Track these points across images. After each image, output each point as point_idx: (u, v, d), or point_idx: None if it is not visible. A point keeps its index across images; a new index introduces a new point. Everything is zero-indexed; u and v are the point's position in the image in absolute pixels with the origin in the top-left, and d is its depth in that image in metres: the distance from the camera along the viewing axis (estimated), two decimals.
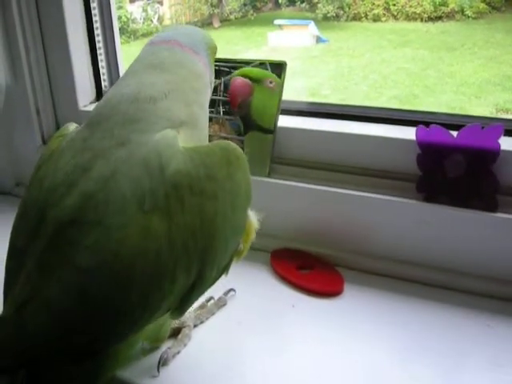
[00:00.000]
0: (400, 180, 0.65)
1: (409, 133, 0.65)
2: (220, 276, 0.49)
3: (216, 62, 0.75)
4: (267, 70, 0.73)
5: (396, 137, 0.66)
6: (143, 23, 5.09)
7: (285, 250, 0.69)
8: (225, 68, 0.76)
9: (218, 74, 0.76)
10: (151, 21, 5.17)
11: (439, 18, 3.93)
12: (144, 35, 4.99)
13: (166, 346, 0.54)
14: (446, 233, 0.62)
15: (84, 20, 0.86)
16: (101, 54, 0.88)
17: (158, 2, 5.17)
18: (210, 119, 0.74)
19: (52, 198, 0.42)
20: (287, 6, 4.62)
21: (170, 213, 0.41)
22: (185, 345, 0.55)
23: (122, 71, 0.91)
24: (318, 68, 3.62)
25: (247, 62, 0.74)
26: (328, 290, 0.63)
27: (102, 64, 0.89)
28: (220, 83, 0.76)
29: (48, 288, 0.39)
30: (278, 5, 4.73)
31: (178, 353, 0.54)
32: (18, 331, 0.39)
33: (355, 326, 0.58)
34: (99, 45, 0.87)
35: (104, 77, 0.89)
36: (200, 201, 0.42)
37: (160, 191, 0.41)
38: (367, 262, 0.66)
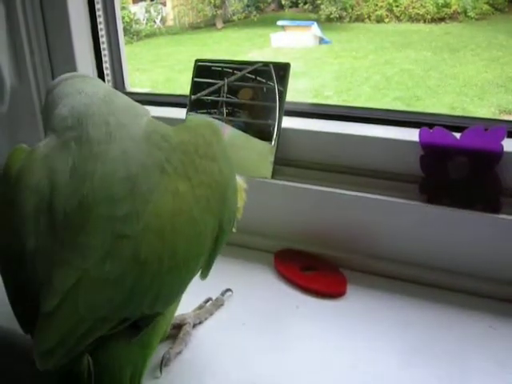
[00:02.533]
0: (403, 181, 0.65)
1: (412, 134, 0.65)
2: (230, 232, 0.52)
3: (219, 63, 0.76)
4: (271, 71, 0.73)
5: (399, 138, 0.66)
6: (146, 24, 5.10)
7: (288, 251, 0.69)
8: (228, 69, 0.76)
9: (222, 75, 0.76)
10: (154, 21, 5.19)
11: (442, 19, 3.94)
12: (147, 36, 5.01)
13: (166, 345, 0.55)
14: (449, 234, 0.62)
15: (88, 21, 0.86)
16: (105, 55, 0.88)
17: (161, 3, 5.19)
18: None
19: (63, 198, 0.43)
20: (290, 7, 4.64)
21: (187, 175, 0.46)
22: (186, 344, 0.56)
23: (125, 71, 0.92)
24: (320, 69, 3.63)
25: (250, 64, 0.75)
26: (332, 291, 0.63)
27: (106, 65, 0.89)
28: (223, 85, 0.76)
29: (98, 266, 0.41)
30: (281, 6, 4.74)
31: (180, 352, 0.55)
32: (72, 317, 0.40)
33: (359, 326, 0.58)
34: (103, 46, 0.88)
35: (108, 77, 0.89)
36: (206, 162, 0.48)
37: (174, 158, 0.45)
38: (370, 263, 0.66)
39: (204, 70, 0.78)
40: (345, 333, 0.57)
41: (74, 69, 0.84)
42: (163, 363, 0.53)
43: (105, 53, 0.88)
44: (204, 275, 0.52)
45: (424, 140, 0.63)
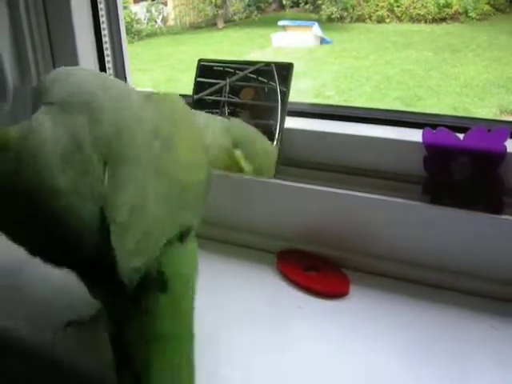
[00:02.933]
0: (406, 182, 0.65)
1: (415, 135, 0.65)
2: None
3: (221, 63, 0.76)
4: (273, 71, 0.73)
5: (402, 139, 0.66)
6: (147, 24, 5.10)
7: (291, 252, 0.69)
8: (229, 69, 0.76)
9: (223, 75, 0.76)
10: (155, 21, 5.18)
11: (443, 19, 3.93)
12: (148, 35, 5.01)
13: None
14: (452, 234, 0.62)
15: (91, 20, 0.86)
16: (108, 55, 0.88)
17: (162, 3, 5.18)
18: None
19: (100, 133, 0.48)
20: (291, 7, 4.64)
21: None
22: None
23: (128, 71, 0.92)
24: (321, 69, 3.63)
25: (253, 64, 0.75)
26: (334, 291, 0.63)
27: (109, 65, 0.89)
28: (225, 84, 0.76)
29: (151, 186, 0.47)
30: (282, 6, 4.74)
31: None
32: (145, 225, 0.45)
33: (361, 326, 0.58)
34: (106, 45, 0.88)
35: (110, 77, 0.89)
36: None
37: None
38: (373, 263, 0.66)
39: (207, 70, 0.78)
40: (347, 333, 0.57)
41: (76, 65, 0.85)
42: None
43: (107, 52, 0.88)
44: None
45: (427, 140, 0.63)
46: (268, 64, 0.74)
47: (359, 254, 0.67)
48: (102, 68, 0.88)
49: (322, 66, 3.69)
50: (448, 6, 3.90)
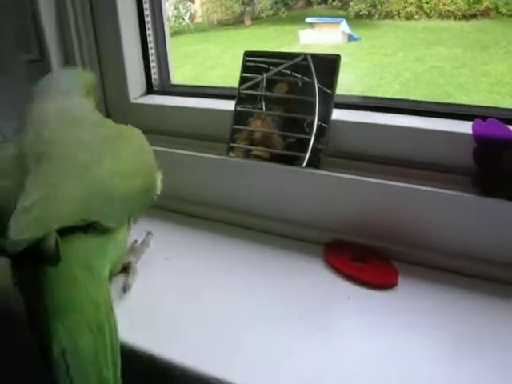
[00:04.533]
0: (455, 174, 0.65)
1: (465, 127, 0.65)
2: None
3: (266, 55, 0.76)
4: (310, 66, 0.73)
5: (451, 130, 0.65)
6: (175, 21, 5.12)
7: (339, 243, 0.70)
8: (263, 65, 0.77)
9: (259, 70, 0.77)
10: (183, 19, 5.20)
11: (473, 15, 3.89)
12: (176, 33, 5.02)
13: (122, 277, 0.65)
14: (502, 226, 0.62)
15: (136, 15, 0.87)
16: (151, 48, 0.89)
17: (190, 0, 5.20)
18: (252, 114, 0.76)
19: (30, 151, 0.56)
20: (319, 3, 4.61)
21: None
22: (135, 276, 0.66)
23: (170, 65, 0.93)
24: (350, 66, 3.60)
25: (299, 55, 0.75)
26: (383, 282, 0.63)
27: (153, 58, 0.90)
28: (262, 79, 0.77)
29: (67, 185, 0.53)
30: (309, 3, 4.72)
31: (134, 281, 0.64)
32: (44, 211, 0.50)
33: (410, 317, 0.58)
34: (150, 38, 0.89)
35: (154, 70, 0.90)
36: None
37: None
38: (421, 255, 0.66)
39: (251, 63, 0.78)
40: (395, 323, 0.58)
41: (121, 62, 0.86)
42: (126, 288, 0.63)
43: (151, 46, 0.89)
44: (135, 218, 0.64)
45: (477, 132, 0.63)
46: (315, 55, 0.74)
47: (408, 245, 0.67)
48: (147, 62, 0.89)
49: (349, 63, 3.67)
50: (478, 1, 3.85)
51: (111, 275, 0.61)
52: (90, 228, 0.54)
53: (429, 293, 0.62)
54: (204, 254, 0.71)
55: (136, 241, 0.71)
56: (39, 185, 0.52)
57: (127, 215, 0.61)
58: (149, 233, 0.73)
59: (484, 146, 0.63)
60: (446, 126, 0.67)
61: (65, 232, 0.51)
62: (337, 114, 0.71)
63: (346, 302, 0.61)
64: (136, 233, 0.68)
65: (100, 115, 0.68)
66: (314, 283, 0.64)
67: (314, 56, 0.74)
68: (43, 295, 0.50)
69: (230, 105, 0.79)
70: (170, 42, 0.92)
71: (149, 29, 0.88)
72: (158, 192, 0.65)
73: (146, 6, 0.88)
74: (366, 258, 0.67)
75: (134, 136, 0.65)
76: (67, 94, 0.68)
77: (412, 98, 0.75)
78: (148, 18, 0.88)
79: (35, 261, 0.50)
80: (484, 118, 0.64)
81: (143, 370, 0.55)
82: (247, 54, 0.78)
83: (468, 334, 0.56)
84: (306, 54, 0.74)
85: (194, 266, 0.68)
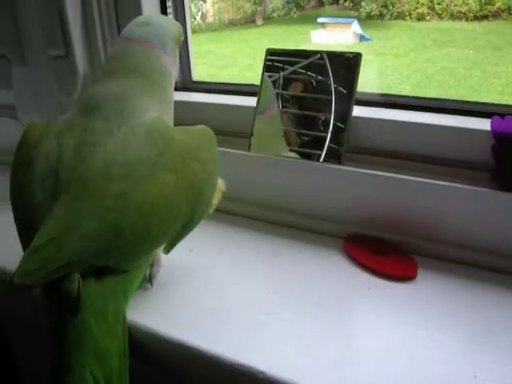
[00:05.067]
0: (474, 169, 0.67)
1: (483, 124, 0.66)
2: (199, 221, 0.61)
3: (288, 53, 0.78)
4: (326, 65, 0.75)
5: (470, 127, 0.67)
6: None
7: (358, 236, 0.71)
8: (278, 64, 0.79)
9: (276, 69, 0.79)
10: (194, 18, 5.22)
11: (485, 17, 3.87)
12: None
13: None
14: None
15: (159, 12, 0.89)
16: None
17: (202, 0, 5.21)
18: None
19: (67, 166, 0.53)
20: (330, 4, 4.60)
21: (176, 169, 0.55)
22: (160, 266, 0.66)
23: (192, 63, 0.95)
24: (361, 66, 3.60)
25: (319, 52, 0.76)
26: (402, 274, 0.65)
27: None
28: (279, 77, 0.79)
29: (83, 224, 0.50)
30: (321, 3, 4.71)
31: (158, 271, 0.66)
32: (53, 253, 0.49)
33: (428, 308, 0.60)
34: None
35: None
36: (194, 163, 0.57)
37: (168, 154, 0.55)
38: (440, 248, 0.67)
39: (272, 61, 0.80)
40: (414, 314, 0.59)
41: None
42: (151, 280, 0.64)
43: None
44: (166, 251, 0.61)
45: (495, 129, 0.64)
46: (334, 54, 0.75)
47: (426, 239, 0.68)
48: None
49: (361, 64, 3.68)
50: (490, 3, 3.84)
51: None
52: (106, 270, 0.53)
53: (447, 285, 0.63)
54: (227, 247, 0.73)
55: None
56: (60, 218, 0.50)
57: (152, 253, 0.59)
58: None
59: (502, 142, 0.64)
60: (464, 123, 0.68)
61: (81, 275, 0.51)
62: (357, 111, 0.73)
63: (367, 292, 0.63)
64: None
65: (170, 115, 0.64)
66: (335, 275, 0.66)
67: (333, 54, 0.75)
68: (56, 339, 0.51)
69: (250, 101, 0.80)
70: (191, 40, 0.94)
71: None
72: (210, 212, 0.64)
73: (169, 3, 0.90)
74: (385, 251, 0.68)
75: (204, 150, 0.60)
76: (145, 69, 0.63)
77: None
78: (171, 17, 0.90)
79: (55, 300, 0.52)
80: (502, 115, 0.65)
81: (167, 357, 0.58)
82: (269, 51, 0.80)
83: (484, 325, 0.57)
84: (325, 52, 0.76)
85: (217, 258, 0.70)
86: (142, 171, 0.53)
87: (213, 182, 0.62)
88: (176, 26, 0.69)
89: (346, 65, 0.74)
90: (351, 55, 0.74)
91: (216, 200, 0.65)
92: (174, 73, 0.68)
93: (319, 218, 0.74)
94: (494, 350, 0.54)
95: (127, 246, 0.53)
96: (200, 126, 0.62)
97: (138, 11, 0.85)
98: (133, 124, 0.56)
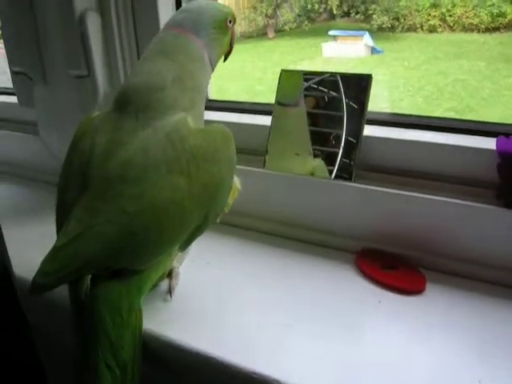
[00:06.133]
0: (480, 187, 0.69)
1: (488, 143, 0.68)
2: (214, 222, 0.64)
3: (303, 74, 0.81)
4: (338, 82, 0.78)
5: (476, 146, 0.69)
6: None
7: (369, 251, 0.74)
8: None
9: None
10: None
11: (497, 28, 3.87)
12: None
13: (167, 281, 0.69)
14: None
15: None
16: None
17: None
18: None
19: (95, 164, 0.57)
20: (342, 16, 4.62)
21: (189, 173, 0.57)
22: (178, 279, 0.69)
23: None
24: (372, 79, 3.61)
25: (332, 74, 0.79)
26: (412, 287, 0.67)
27: None
28: None
29: (99, 225, 0.53)
30: (332, 16, 4.73)
31: (177, 284, 0.69)
32: (71, 255, 0.52)
33: (436, 321, 0.62)
34: None
35: None
36: (209, 165, 0.59)
37: (183, 158, 0.57)
38: (448, 263, 0.70)
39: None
40: (423, 327, 0.61)
41: None
42: (170, 292, 0.67)
43: None
44: (181, 249, 0.64)
45: (501, 148, 0.67)
46: (344, 75, 0.78)
47: (435, 254, 0.71)
48: None
49: (373, 76, 3.69)
50: (502, 15, 3.85)
51: (157, 283, 0.66)
52: (121, 270, 0.56)
53: (455, 299, 0.66)
54: (243, 261, 0.76)
55: None
56: (79, 219, 0.54)
57: (167, 253, 0.61)
58: None
59: (507, 161, 0.67)
60: (471, 142, 0.70)
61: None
62: (367, 131, 0.75)
63: (377, 305, 0.65)
64: None
65: (198, 116, 0.64)
66: (346, 288, 0.69)
67: (345, 75, 0.78)
68: (76, 330, 0.56)
69: (265, 120, 0.83)
70: None
71: None
72: (226, 211, 0.67)
73: None
74: (395, 266, 0.71)
75: (220, 151, 0.61)
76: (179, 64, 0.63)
77: (435, 110, 0.78)
78: None
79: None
80: (507, 134, 0.67)
81: (183, 365, 0.61)
82: (284, 72, 0.83)
83: (492, 339, 0.59)
84: (336, 74, 0.78)
85: (233, 271, 0.73)
86: (157, 175, 0.55)
87: (228, 183, 0.63)
88: (220, 11, 0.68)
89: (358, 85, 0.76)
90: (362, 76, 0.76)
91: (232, 199, 0.67)
92: (212, 57, 0.67)
93: (332, 233, 0.77)
94: (501, 361, 0.56)
95: (141, 248, 0.56)
96: (218, 125, 0.63)
97: (156, 31, 0.88)
98: (156, 126, 0.58)
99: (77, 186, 0.57)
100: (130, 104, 0.60)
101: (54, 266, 0.52)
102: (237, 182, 0.68)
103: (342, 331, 0.61)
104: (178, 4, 0.90)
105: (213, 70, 0.69)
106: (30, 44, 0.95)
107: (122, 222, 0.54)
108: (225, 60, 0.74)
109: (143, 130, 0.58)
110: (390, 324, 0.62)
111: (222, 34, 0.68)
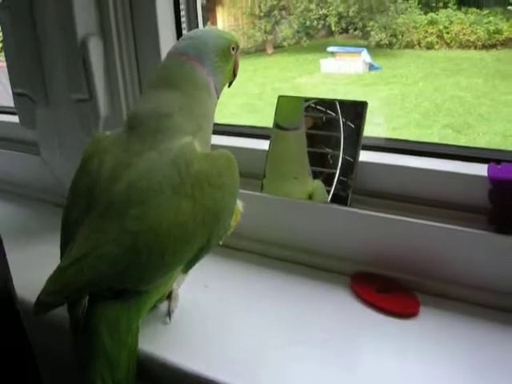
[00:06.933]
0: (472, 212, 0.70)
1: (480, 169, 0.70)
2: (216, 245, 0.65)
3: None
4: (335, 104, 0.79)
5: (468, 173, 0.71)
6: None
7: (364, 274, 0.75)
8: None
9: None
10: None
11: (493, 45, 3.89)
12: None
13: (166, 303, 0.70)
14: None
15: None
16: None
17: None
18: None
19: (101, 185, 0.58)
20: (340, 33, 4.64)
21: (194, 197, 0.58)
22: (177, 302, 0.71)
23: None
24: (370, 95, 3.63)
25: (329, 101, 0.81)
26: (405, 311, 0.68)
27: None
28: None
29: (104, 246, 0.55)
30: (331, 32, 4.75)
31: (176, 307, 0.70)
32: (76, 275, 0.54)
33: (429, 344, 0.63)
34: None
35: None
36: (213, 190, 0.60)
37: (187, 182, 0.58)
38: (441, 286, 0.71)
39: None
40: (416, 349, 0.63)
41: None
42: (170, 314, 0.69)
43: None
44: (184, 271, 0.65)
45: (492, 175, 0.68)
46: (341, 101, 0.79)
47: (428, 277, 0.72)
48: None
49: (370, 93, 3.70)
50: (498, 32, 3.87)
51: (155, 304, 0.68)
52: (122, 290, 0.58)
53: (447, 322, 0.67)
54: (239, 283, 0.77)
55: None
56: (83, 240, 0.55)
57: (169, 274, 0.62)
58: None
59: (498, 187, 0.68)
60: (464, 168, 0.72)
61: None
62: (363, 156, 0.77)
63: (371, 328, 0.67)
64: None
65: (204, 135, 0.65)
66: (340, 310, 0.70)
67: (341, 102, 0.79)
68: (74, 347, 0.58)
69: (262, 144, 0.85)
70: None
71: None
72: (228, 233, 0.68)
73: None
74: (389, 289, 0.72)
75: (224, 176, 0.61)
76: (183, 92, 0.64)
77: (432, 126, 0.80)
78: None
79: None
80: (498, 160, 0.69)
81: None
82: (281, 97, 0.85)
83: (485, 361, 0.60)
84: (334, 100, 0.80)
85: (230, 294, 0.74)
86: (161, 198, 0.57)
87: (231, 207, 0.64)
88: (223, 39, 0.69)
89: (353, 111, 0.78)
90: (358, 103, 0.78)
91: (234, 222, 0.68)
92: (217, 84, 0.68)
93: (327, 257, 0.78)
94: (493, 383, 0.57)
95: (144, 269, 0.57)
96: (222, 151, 0.64)
97: (156, 56, 0.90)
98: (163, 149, 0.59)
99: (82, 207, 0.59)
100: (139, 127, 0.62)
101: (58, 286, 0.54)
102: (239, 205, 0.69)
103: (334, 353, 0.63)
104: (179, 29, 0.92)
105: (218, 96, 0.70)
106: (33, 67, 0.97)
107: (125, 242, 0.55)
108: (229, 86, 0.75)
109: (150, 152, 0.59)
110: (384, 347, 0.63)
111: (225, 62, 0.69)
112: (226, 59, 0.69)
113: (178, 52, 0.67)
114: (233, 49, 0.71)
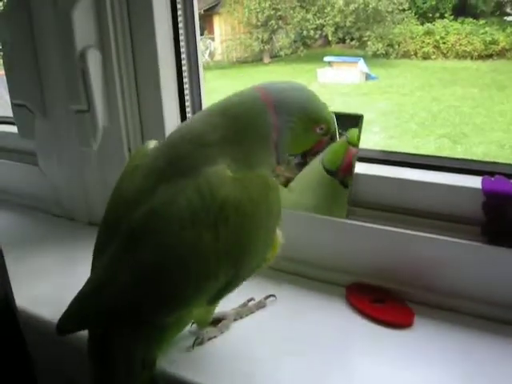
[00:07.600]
0: (467, 224, 0.71)
1: (474, 182, 0.71)
2: (248, 278, 0.60)
3: None
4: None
5: (463, 185, 0.72)
6: None
7: (359, 285, 0.76)
8: None
9: None
10: (203, 55, 5.29)
11: (490, 56, 3.91)
12: None
13: (205, 330, 0.67)
14: (509, 273, 0.68)
15: (175, 72, 0.94)
16: (187, 100, 0.97)
17: (210, 38, 5.29)
18: None
19: (125, 210, 0.56)
20: (337, 43, 4.65)
21: (216, 227, 0.53)
22: (221, 332, 0.68)
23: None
24: (367, 105, 3.64)
25: None
26: (400, 321, 0.69)
27: (188, 109, 0.97)
28: None
29: (121, 276, 0.53)
30: (327, 42, 4.76)
31: (215, 337, 0.67)
32: (97, 303, 0.53)
33: (424, 355, 0.64)
34: (186, 91, 0.96)
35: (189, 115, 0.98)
36: (241, 219, 0.54)
37: (211, 211, 0.53)
38: (435, 297, 0.72)
39: None
40: (410, 360, 0.63)
41: (159, 112, 0.93)
42: (196, 342, 0.65)
43: (187, 98, 0.96)
44: (210, 304, 0.60)
45: (486, 188, 0.69)
46: (337, 114, 0.80)
47: (423, 288, 0.73)
48: (183, 112, 0.96)
49: (367, 102, 3.72)
50: (495, 42, 3.89)
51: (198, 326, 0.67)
52: (142, 321, 0.56)
53: (442, 332, 0.68)
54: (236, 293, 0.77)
55: (252, 299, 0.74)
56: (103, 268, 0.54)
57: (190, 307, 0.58)
58: (271, 295, 0.74)
59: (492, 200, 0.69)
60: (458, 180, 0.73)
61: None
62: (359, 168, 0.78)
63: (366, 338, 0.67)
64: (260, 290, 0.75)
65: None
66: (336, 321, 0.71)
67: (338, 114, 0.80)
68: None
69: None
70: (205, 93, 0.99)
71: (186, 83, 0.96)
72: (264, 267, 0.62)
73: (184, 68, 0.96)
74: (384, 300, 0.73)
75: (256, 203, 0.55)
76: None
77: (429, 136, 0.80)
78: (185, 73, 0.96)
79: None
80: (492, 173, 0.70)
81: None
82: None
83: (478, 372, 0.61)
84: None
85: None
86: (180, 226, 0.52)
87: (266, 237, 0.58)
88: (316, 110, 0.62)
89: (349, 123, 0.79)
90: (354, 115, 0.79)
91: (273, 253, 0.62)
92: (279, 146, 0.60)
93: (323, 268, 0.79)
94: None
95: (159, 302, 0.54)
96: (260, 173, 0.57)
97: (154, 67, 0.91)
98: (189, 175, 0.54)
99: (108, 232, 0.57)
100: (173, 148, 0.58)
101: (78, 313, 0.54)
102: (279, 235, 0.62)
103: (333, 365, 0.63)
104: (176, 42, 0.93)
105: (277, 161, 0.61)
106: (32, 78, 0.98)
107: (137, 272, 0.53)
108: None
109: (178, 178, 0.54)
110: (379, 357, 0.64)
111: (303, 131, 0.61)
112: (305, 130, 0.61)
113: (263, 88, 0.60)
114: (320, 129, 0.62)
